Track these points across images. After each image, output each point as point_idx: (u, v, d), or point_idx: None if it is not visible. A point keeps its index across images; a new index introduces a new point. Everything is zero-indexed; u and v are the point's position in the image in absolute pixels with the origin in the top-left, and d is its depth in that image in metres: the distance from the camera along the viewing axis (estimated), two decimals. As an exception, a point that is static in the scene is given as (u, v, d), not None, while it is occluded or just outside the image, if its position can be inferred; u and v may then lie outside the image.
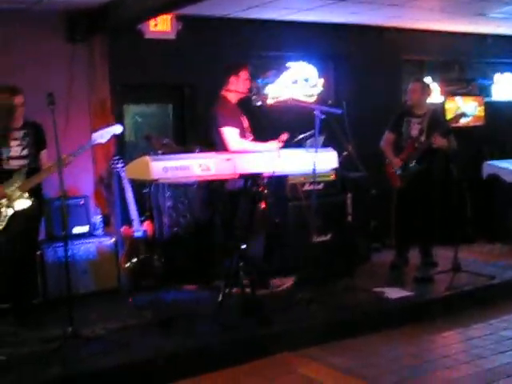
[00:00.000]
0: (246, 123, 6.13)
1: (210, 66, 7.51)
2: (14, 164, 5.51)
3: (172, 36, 7.42)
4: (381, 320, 5.74)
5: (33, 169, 5.56)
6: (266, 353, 5.06)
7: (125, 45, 7.25)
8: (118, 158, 6.62)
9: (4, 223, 5.42)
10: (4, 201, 5.41)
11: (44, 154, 5.69)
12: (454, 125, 7.01)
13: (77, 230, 6.53)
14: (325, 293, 6.02)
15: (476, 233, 8.52)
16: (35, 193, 5.55)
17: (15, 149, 5.52)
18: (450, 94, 9.57)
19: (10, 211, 5.42)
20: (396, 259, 7.16)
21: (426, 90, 7.06)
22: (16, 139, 5.54)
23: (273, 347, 5.13)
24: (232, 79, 6.06)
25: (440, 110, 8.62)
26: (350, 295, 6.08)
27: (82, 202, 6.64)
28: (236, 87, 6.06)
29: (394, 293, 6.17)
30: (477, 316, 6.02)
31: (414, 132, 6.87)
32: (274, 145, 5.76)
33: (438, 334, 5.63)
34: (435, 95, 9.16)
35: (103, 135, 5.50)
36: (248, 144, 5.84)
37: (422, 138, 6.78)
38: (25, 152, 5.55)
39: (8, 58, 6.54)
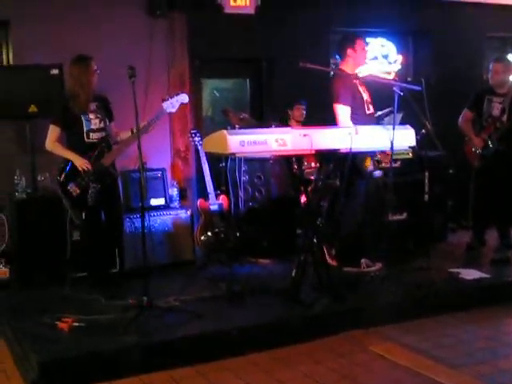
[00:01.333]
0: (366, 96, 6.09)
1: (287, 40, 7.49)
2: (94, 137, 5.59)
3: (251, 11, 7.42)
4: (455, 301, 5.64)
5: (109, 141, 5.66)
6: (338, 329, 5.06)
7: (204, 20, 7.29)
8: (195, 131, 6.70)
9: (93, 199, 5.49)
10: (91, 176, 5.48)
11: (113, 126, 5.78)
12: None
13: (154, 202, 6.64)
14: (399, 271, 5.96)
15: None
16: (113, 165, 5.68)
17: (94, 121, 5.59)
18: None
19: (98, 186, 5.51)
20: (472, 240, 7.02)
21: (508, 68, 6.84)
22: (92, 112, 5.60)
23: (346, 324, 5.12)
24: (349, 51, 6.01)
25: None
26: (424, 275, 6.00)
27: (159, 175, 6.74)
28: (353, 59, 6.04)
29: (469, 274, 6.06)
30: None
31: (496, 111, 6.66)
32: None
33: (514, 318, 5.53)
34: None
35: (173, 104, 5.58)
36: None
37: (504, 118, 6.59)
38: (102, 124, 5.63)
39: (91, 32, 6.67)
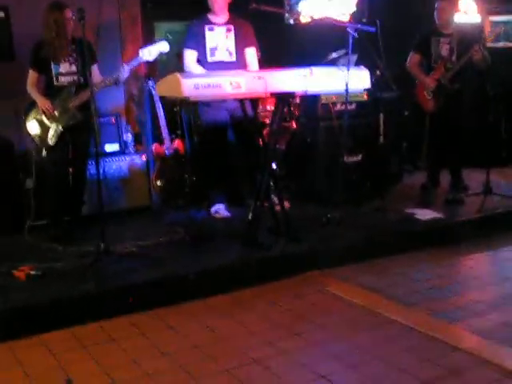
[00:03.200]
0: (221, 42, 5.99)
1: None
2: (63, 80, 5.59)
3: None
4: (410, 241, 5.75)
5: (81, 85, 5.60)
6: (295, 271, 5.12)
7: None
8: (149, 75, 6.60)
9: (54, 139, 5.55)
10: (54, 116, 5.52)
11: (95, 68, 5.67)
12: (491, 44, 6.81)
13: (108, 147, 6.55)
14: (355, 213, 6.03)
15: (510, 155, 8.37)
16: (84, 108, 5.56)
17: (64, 65, 5.58)
18: (488, 12, 9.25)
19: (60, 127, 5.54)
20: (427, 181, 7.10)
21: (453, 7, 6.82)
22: (66, 56, 5.58)
23: (302, 266, 5.18)
24: None
25: (479, 29, 8.33)
26: (380, 216, 6.09)
27: (113, 120, 6.64)
28: (211, 5, 5.94)
29: (424, 214, 6.15)
30: (507, 239, 6.01)
31: (444, 52, 6.63)
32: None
33: (468, 257, 5.63)
34: (472, 14, 8.87)
35: (151, 52, 5.49)
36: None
37: (453, 58, 6.60)
38: (73, 68, 5.61)
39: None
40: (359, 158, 6.70)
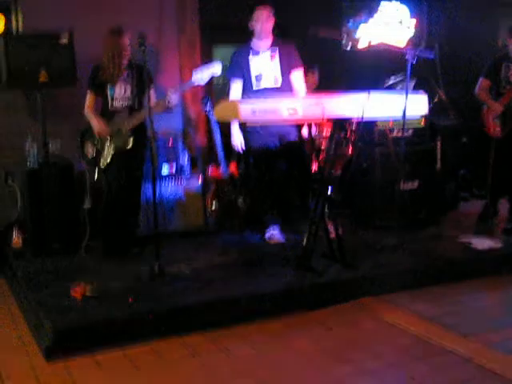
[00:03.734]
0: (266, 70, 5.97)
1: (300, 7, 7.41)
2: (118, 105, 5.73)
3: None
4: (466, 269, 5.64)
5: (135, 110, 5.71)
6: (349, 297, 5.07)
7: (215, -15, 7.23)
8: (206, 99, 6.67)
9: (108, 159, 5.67)
10: (107, 140, 5.66)
11: (151, 93, 5.68)
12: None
13: (165, 170, 6.63)
14: (411, 240, 5.96)
15: None
16: (139, 132, 5.67)
17: (119, 90, 5.72)
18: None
19: (111, 151, 5.66)
20: (488, 209, 6.89)
21: None
22: (121, 80, 5.72)
23: (357, 292, 5.13)
24: (250, 25, 5.94)
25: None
26: (436, 243, 6.00)
27: (170, 143, 6.73)
28: (255, 31, 5.95)
29: (481, 243, 6.04)
30: None
31: None
32: None
33: (526, 287, 5.52)
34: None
35: (203, 77, 5.49)
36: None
37: None
38: (128, 93, 5.73)
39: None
40: (415, 184, 6.64)
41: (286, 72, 5.99)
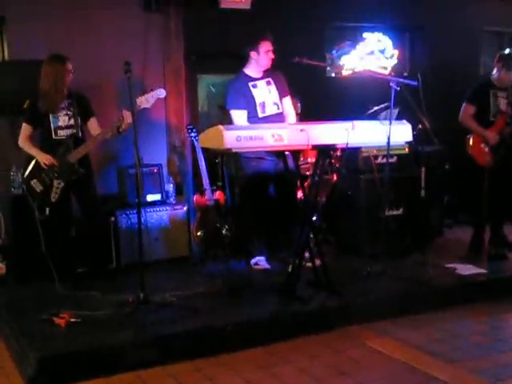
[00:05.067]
0: (267, 97, 6.03)
1: (283, 35, 7.46)
2: (62, 134, 5.65)
3: (247, 6, 7.39)
4: (452, 296, 5.66)
5: (79, 139, 5.69)
6: (335, 325, 5.07)
7: (200, 14, 7.28)
8: (191, 127, 6.70)
9: (58, 195, 5.57)
10: (55, 172, 5.55)
11: (93, 121, 5.77)
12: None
13: (150, 197, 6.62)
14: (396, 267, 5.96)
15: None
16: (85, 162, 5.68)
17: (63, 118, 5.65)
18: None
19: (62, 183, 5.57)
20: (494, 240, 6.76)
21: None
22: (63, 109, 5.66)
23: (342, 319, 5.12)
24: (252, 54, 6.00)
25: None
26: (421, 270, 6.00)
27: (155, 170, 6.72)
28: (256, 61, 6.01)
29: (466, 269, 6.07)
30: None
31: (503, 106, 6.49)
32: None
33: (510, 314, 5.52)
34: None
35: (148, 99, 5.50)
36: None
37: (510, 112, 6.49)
38: (71, 122, 5.68)
39: (85, 26, 6.64)
40: (400, 211, 6.67)
41: (281, 99, 6.10)
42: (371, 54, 8.31)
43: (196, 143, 6.53)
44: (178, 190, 7.04)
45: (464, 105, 6.61)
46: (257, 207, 6.08)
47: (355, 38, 8.24)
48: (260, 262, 6.18)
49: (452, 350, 4.67)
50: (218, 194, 6.63)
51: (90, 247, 5.85)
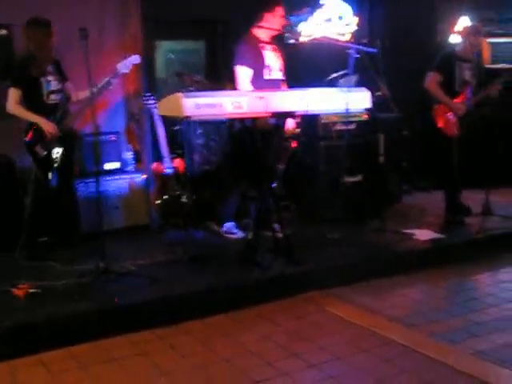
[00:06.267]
0: (273, 62, 6.02)
1: (243, 2, 7.39)
2: (53, 98, 5.61)
3: (205, -29, 7.29)
4: (409, 261, 5.75)
5: (64, 104, 5.66)
6: (295, 291, 5.11)
7: (157, -21, 7.15)
8: (149, 94, 6.61)
9: (59, 160, 5.55)
10: (57, 137, 5.53)
11: (69, 84, 5.77)
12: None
13: (108, 166, 6.56)
14: (354, 233, 6.02)
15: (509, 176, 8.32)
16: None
17: (53, 83, 5.61)
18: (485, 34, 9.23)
19: (61, 149, 5.56)
20: (461, 210, 6.82)
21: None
22: (50, 73, 5.61)
23: (302, 286, 5.17)
24: (266, 15, 5.94)
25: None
26: (379, 236, 6.08)
27: (113, 139, 6.65)
28: (270, 24, 5.95)
29: (423, 234, 6.16)
30: (507, 260, 6.02)
31: (468, 77, 6.55)
32: None
33: (467, 277, 5.64)
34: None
35: (126, 65, 5.61)
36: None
37: (475, 83, 6.53)
38: (60, 86, 5.66)
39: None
40: (359, 177, 6.71)
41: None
42: (329, 21, 8.33)
43: (154, 111, 6.45)
44: (137, 159, 6.97)
45: (431, 73, 6.58)
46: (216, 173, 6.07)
47: (314, 4, 8.23)
48: (232, 229, 6.18)
49: (411, 314, 4.75)
50: (177, 162, 6.59)
51: (57, 216, 5.77)
